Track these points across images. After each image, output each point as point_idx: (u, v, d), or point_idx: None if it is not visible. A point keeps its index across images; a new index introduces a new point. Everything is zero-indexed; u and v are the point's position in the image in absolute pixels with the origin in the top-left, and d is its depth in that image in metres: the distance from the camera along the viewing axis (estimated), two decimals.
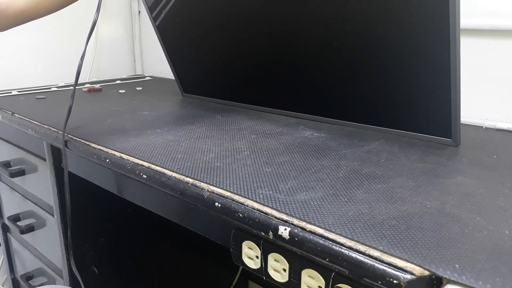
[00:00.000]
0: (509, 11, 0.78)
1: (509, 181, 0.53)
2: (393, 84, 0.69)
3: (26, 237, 1.06)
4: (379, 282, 0.36)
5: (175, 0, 0.91)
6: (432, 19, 0.61)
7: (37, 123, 0.82)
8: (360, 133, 0.74)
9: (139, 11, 1.52)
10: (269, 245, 0.46)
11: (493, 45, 0.81)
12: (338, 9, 0.69)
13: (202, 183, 0.52)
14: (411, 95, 0.68)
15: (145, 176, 0.58)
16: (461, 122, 0.67)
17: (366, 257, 0.37)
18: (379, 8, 0.65)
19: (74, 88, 0.74)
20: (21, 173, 0.97)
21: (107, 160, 0.64)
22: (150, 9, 0.98)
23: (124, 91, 1.17)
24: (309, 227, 0.41)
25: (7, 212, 1.12)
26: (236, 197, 0.48)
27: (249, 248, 0.48)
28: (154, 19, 0.99)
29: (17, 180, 1.02)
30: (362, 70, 0.72)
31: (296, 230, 0.42)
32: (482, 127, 0.81)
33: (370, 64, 0.70)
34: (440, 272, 0.34)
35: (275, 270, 0.47)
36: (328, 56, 0.75)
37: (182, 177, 0.54)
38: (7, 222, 1.12)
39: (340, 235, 0.40)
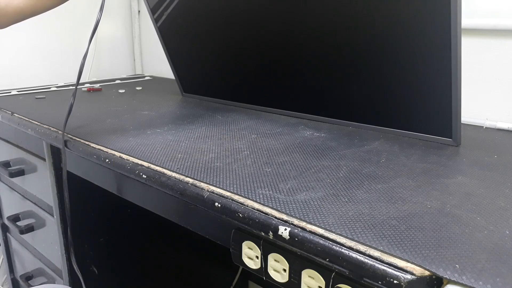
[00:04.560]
0: (509, 11, 0.77)
1: (510, 181, 0.53)
2: (394, 83, 0.69)
3: (26, 237, 1.06)
4: (379, 282, 0.36)
5: (176, 2, 0.91)
6: (433, 18, 0.60)
7: (36, 123, 0.82)
8: (360, 133, 0.74)
9: (139, 11, 1.52)
10: (269, 245, 0.46)
11: (494, 44, 0.81)
12: (339, 8, 0.69)
13: (202, 183, 0.52)
14: (412, 94, 0.68)
15: (145, 176, 0.58)
16: (461, 122, 0.67)
17: (366, 257, 0.37)
18: (379, 8, 0.65)
19: (76, 88, 0.73)
20: (20, 173, 0.97)
21: (107, 160, 0.64)
22: (152, 11, 0.98)
23: (123, 91, 1.17)
24: (309, 227, 0.41)
25: (7, 212, 1.12)
26: (236, 197, 0.48)
27: (249, 248, 0.48)
28: (155, 20, 0.99)
29: (16, 180, 1.02)
30: (362, 69, 0.72)
31: (296, 230, 0.42)
32: (483, 127, 0.80)
33: (371, 64, 0.70)
34: (440, 272, 0.34)
35: (275, 270, 0.46)
36: (329, 55, 0.74)
37: (182, 177, 0.54)
38: (6, 222, 1.12)
39: (340, 235, 0.40)
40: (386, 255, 0.37)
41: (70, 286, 0.92)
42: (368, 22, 0.67)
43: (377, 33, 0.67)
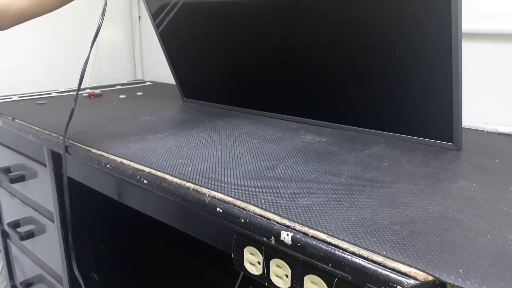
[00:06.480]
0: (510, 15, 0.78)
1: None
2: (395, 88, 0.69)
3: (26, 243, 1.05)
4: None
5: (177, 8, 0.92)
6: (434, 23, 0.61)
7: (37, 128, 0.82)
8: (362, 138, 0.74)
9: (140, 16, 1.52)
10: (271, 250, 0.46)
11: (494, 49, 0.81)
12: (340, 13, 0.69)
13: (203, 188, 0.52)
14: (413, 99, 0.68)
15: (146, 182, 0.58)
16: (462, 126, 0.67)
17: (369, 262, 0.37)
18: (381, 12, 0.65)
19: (77, 93, 0.73)
20: (21, 179, 0.97)
21: (108, 166, 0.64)
22: (153, 17, 0.98)
23: (124, 96, 1.17)
24: (312, 232, 0.41)
25: (7, 218, 1.12)
26: (237, 202, 0.48)
27: (251, 254, 0.48)
28: (157, 26, 0.99)
29: (17, 186, 1.01)
30: (363, 74, 0.72)
31: (298, 236, 0.41)
32: (484, 131, 0.80)
33: (372, 68, 0.70)
34: (444, 277, 0.34)
35: (277, 276, 0.46)
36: (330, 60, 0.75)
37: (183, 182, 0.54)
38: (6, 228, 1.12)
39: (343, 240, 0.39)
40: (389, 260, 0.36)
41: None
42: (369, 27, 0.67)
43: (378, 38, 0.67)
